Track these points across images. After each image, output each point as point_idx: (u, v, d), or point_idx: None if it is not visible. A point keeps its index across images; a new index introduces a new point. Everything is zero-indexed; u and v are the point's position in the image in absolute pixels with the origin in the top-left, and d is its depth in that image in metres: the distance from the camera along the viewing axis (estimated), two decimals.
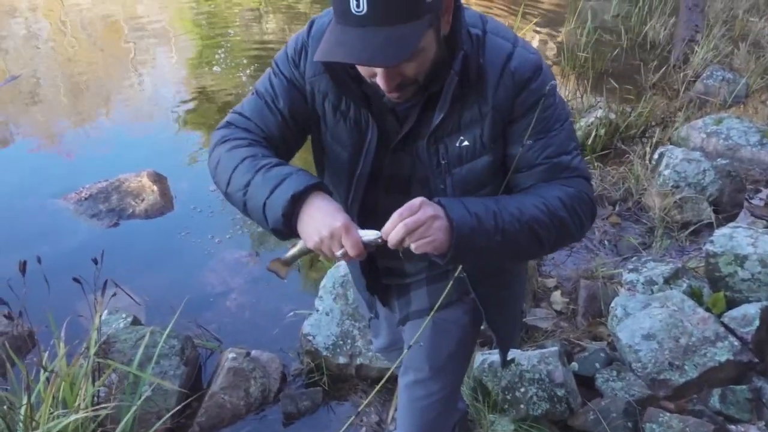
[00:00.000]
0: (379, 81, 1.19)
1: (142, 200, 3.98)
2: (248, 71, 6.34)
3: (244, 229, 3.83)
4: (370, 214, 1.32)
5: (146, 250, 3.65)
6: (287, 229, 1.21)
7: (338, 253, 1.16)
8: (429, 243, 1.16)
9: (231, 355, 2.72)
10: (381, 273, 1.65)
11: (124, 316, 2.86)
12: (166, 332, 2.57)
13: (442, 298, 1.40)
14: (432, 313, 1.42)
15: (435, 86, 1.26)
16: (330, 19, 1.23)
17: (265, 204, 1.21)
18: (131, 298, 3.13)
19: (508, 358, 2.41)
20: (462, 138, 1.30)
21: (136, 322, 2.89)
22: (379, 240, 1.18)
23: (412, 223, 1.14)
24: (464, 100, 1.27)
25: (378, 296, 1.74)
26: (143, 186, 4.05)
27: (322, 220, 1.16)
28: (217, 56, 6.93)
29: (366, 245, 1.17)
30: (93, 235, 3.77)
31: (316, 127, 1.40)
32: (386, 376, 1.67)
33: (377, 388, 1.66)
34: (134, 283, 3.25)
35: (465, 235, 1.18)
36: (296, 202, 1.18)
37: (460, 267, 1.41)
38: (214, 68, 6.58)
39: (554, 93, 1.31)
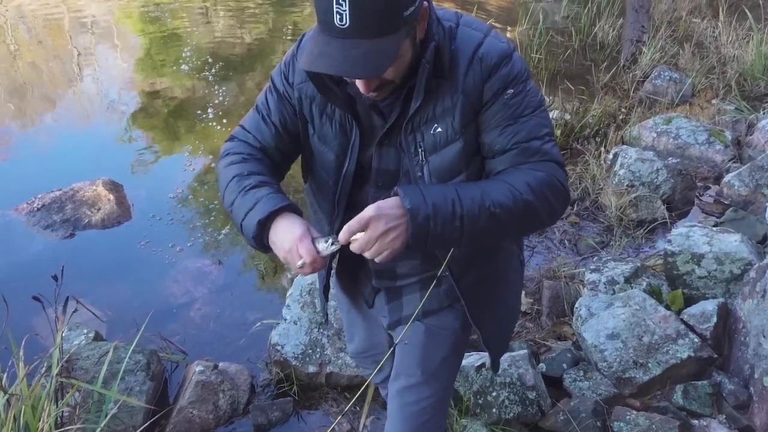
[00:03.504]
0: (358, 84, 1.28)
1: (98, 210, 3.86)
2: (199, 71, 6.22)
3: (205, 236, 3.76)
4: (361, 209, 1.33)
5: (105, 262, 3.54)
6: (261, 248, 1.36)
7: (298, 264, 1.27)
8: (386, 256, 1.24)
9: (198, 368, 2.67)
10: (373, 275, 1.65)
11: (85, 331, 2.78)
12: (132, 347, 2.51)
13: (422, 302, 1.48)
14: (413, 316, 1.50)
15: (412, 80, 1.32)
16: None
17: (241, 225, 1.36)
18: (92, 312, 3.04)
19: (477, 364, 2.47)
20: (436, 125, 1.35)
21: (98, 337, 2.81)
22: (334, 245, 1.27)
23: (364, 243, 1.23)
24: (439, 91, 1.33)
25: (365, 298, 1.76)
26: (99, 195, 3.93)
27: (282, 237, 1.30)
28: (166, 56, 6.77)
29: (321, 251, 1.26)
30: (47, 247, 3.64)
31: (305, 131, 1.48)
32: (365, 384, 1.69)
33: (354, 398, 1.68)
34: (93, 296, 3.16)
35: (420, 224, 1.22)
36: (264, 227, 1.31)
37: (444, 263, 1.45)
38: (164, 69, 6.43)
39: (525, 80, 1.36)
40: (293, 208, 1.34)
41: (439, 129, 1.35)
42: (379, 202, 1.24)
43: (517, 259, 1.69)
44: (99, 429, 2.22)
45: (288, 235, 1.28)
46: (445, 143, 1.36)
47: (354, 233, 1.23)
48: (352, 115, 1.40)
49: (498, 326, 1.71)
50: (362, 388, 1.68)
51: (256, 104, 1.52)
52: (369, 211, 1.23)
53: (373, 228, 1.22)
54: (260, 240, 1.33)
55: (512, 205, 1.27)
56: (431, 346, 1.66)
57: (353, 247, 1.24)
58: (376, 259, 1.25)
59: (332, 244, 1.26)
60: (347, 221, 1.26)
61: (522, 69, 1.35)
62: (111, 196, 3.93)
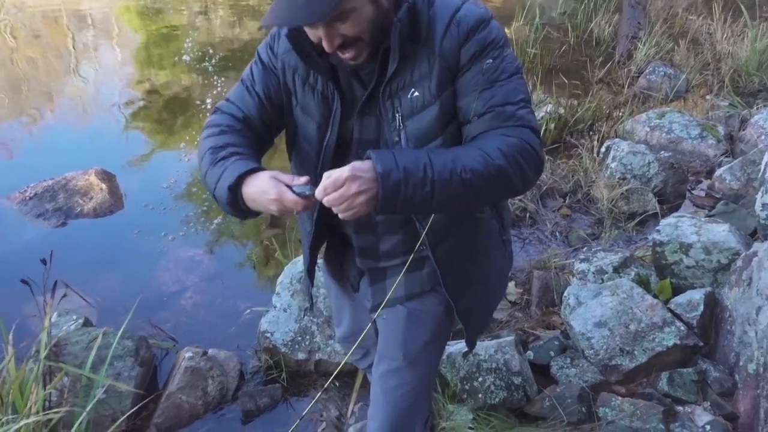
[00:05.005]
0: (323, 43, 1.28)
1: (91, 199, 3.87)
2: (195, 64, 6.23)
3: (197, 226, 3.77)
4: None
5: (96, 250, 3.55)
6: (238, 213, 1.37)
7: (294, 213, 1.30)
8: (354, 213, 1.24)
9: (188, 355, 2.68)
10: (357, 254, 1.65)
11: (74, 317, 2.78)
12: (120, 333, 2.52)
13: (394, 285, 1.49)
14: (383, 301, 1.51)
15: (387, 42, 1.33)
16: None
17: (215, 195, 1.38)
18: (83, 299, 3.05)
19: (465, 350, 2.47)
20: (413, 90, 1.36)
21: (87, 323, 2.81)
22: (311, 193, 1.26)
23: (335, 199, 1.22)
24: (416, 56, 1.35)
25: (351, 281, 1.77)
26: (91, 184, 3.94)
27: (260, 199, 1.29)
28: (163, 50, 6.79)
29: (306, 197, 1.27)
30: (40, 235, 3.65)
31: (288, 103, 1.50)
32: (341, 364, 1.70)
33: (330, 379, 1.69)
34: (85, 283, 3.16)
35: (391, 188, 1.22)
36: (235, 191, 1.32)
37: (423, 234, 1.46)
38: (160, 63, 6.44)
39: (502, 46, 1.36)
40: (260, 169, 1.34)
41: (416, 93, 1.36)
42: (355, 164, 1.24)
43: (499, 237, 1.67)
44: (86, 412, 2.23)
45: (265, 198, 1.28)
46: (421, 107, 1.37)
47: (329, 193, 1.22)
48: (333, 84, 1.41)
49: (476, 302, 1.69)
50: (339, 368, 1.67)
51: (241, 77, 1.54)
52: (345, 171, 1.22)
53: (346, 187, 1.21)
54: (236, 205, 1.34)
55: (483, 170, 1.27)
56: (413, 330, 1.66)
57: (325, 200, 1.23)
58: (340, 216, 1.25)
59: (309, 190, 1.27)
60: None
61: (499, 35, 1.36)
62: (103, 186, 3.94)
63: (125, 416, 2.38)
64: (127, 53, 6.83)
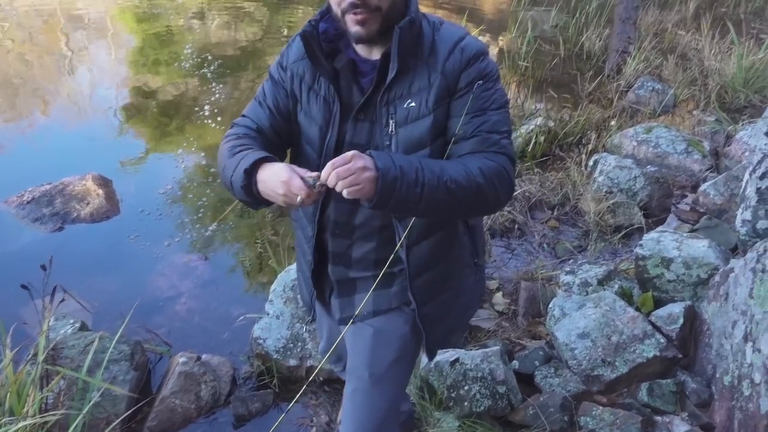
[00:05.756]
0: None
1: (87, 204, 3.93)
2: (192, 69, 6.28)
3: (193, 232, 3.83)
4: None
5: (93, 255, 3.61)
6: (250, 199, 1.47)
7: (297, 201, 1.36)
8: (358, 190, 1.33)
9: (182, 359, 2.74)
10: (330, 259, 1.72)
11: (71, 321, 2.84)
12: (116, 337, 2.58)
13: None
14: (354, 317, 1.61)
15: (388, 47, 1.46)
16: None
17: (231, 181, 1.48)
18: (79, 303, 3.11)
19: (452, 359, 2.55)
20: (410, 100, 1.49)
21: (83, 327, 2.87)
22: (318, 181, 1.35)
23: (343, 171, 1.31)
24: (417, 71, 1.48)
25: (325, 295, 1.82)
26: (88, 189, 3.99)
27: (271, 182, 1.40)
28: (159, 54, 6.83)
29: (311, 186, 1.35)
30: (36, 239, 3.71)
31: (294, 109, 1.63)
32: (312, 376, 1.77)
33: (311, 377, 1.74)
34: (81, 288, 3.22)
35: (389, 183, 1.34)
36: (249, 176, 1.43)
37: (402, 240, 1.56)
38: (157, 66, 6.49)
39: (496, 80, 1.52)
40: (273, 159, 1.46)
41: (413, 104, 1.49)
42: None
43: (471, 257, 1.76)
44: (82, 415, 2.29)
45: (275, 180, 1.38)
46: (416, 117, 1.50)
47: (338, 166, 1.32)
48: (335, 88, 1.53)
49: (440, 311, 1.75)
50: (314, 373, 1.74)
51: (255, 95, 1.69)
52: (351, 152, 1.34)
53: (353, 162, 1.32)
54: (248, 189, 1.44)
55: (465, 183, 1.42)
56: (379, 348, 1.72)
57: (331, 179, 1.31)
58: (345, 192, 1.32)
59: (317, 181, 1.35)
60: (330, 195, 1.39)
61: (495, 69, 1.52)
62: (100, 191, 3.99)
63: (120, 419, 2.44)
64: (122, 56, 6.88)
